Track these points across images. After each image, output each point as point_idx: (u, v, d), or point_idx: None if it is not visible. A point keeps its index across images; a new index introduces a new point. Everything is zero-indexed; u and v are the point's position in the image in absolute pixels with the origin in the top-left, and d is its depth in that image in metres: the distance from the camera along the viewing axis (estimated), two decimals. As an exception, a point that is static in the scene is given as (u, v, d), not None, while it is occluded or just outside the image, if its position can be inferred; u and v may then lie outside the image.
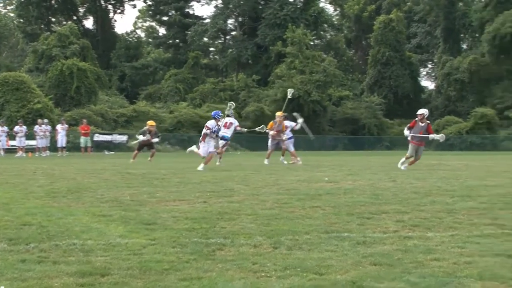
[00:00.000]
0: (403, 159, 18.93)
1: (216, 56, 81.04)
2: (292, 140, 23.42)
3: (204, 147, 18.24)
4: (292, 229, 6.75)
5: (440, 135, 19.63)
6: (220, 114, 18.70)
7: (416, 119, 18.66)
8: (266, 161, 22.38)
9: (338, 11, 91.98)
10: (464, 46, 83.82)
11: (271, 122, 23.42)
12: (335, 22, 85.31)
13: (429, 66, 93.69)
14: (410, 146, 18.88)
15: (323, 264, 4.95)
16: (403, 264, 4.99)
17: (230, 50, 74.27)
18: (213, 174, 15.97)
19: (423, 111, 18.96)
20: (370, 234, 6.47)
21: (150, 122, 25.22)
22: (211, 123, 18.26)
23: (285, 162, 22.80)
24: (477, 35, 77.43)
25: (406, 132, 18.81)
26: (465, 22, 77.16)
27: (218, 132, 18.68)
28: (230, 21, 77.48)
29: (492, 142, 57.11)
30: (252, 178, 14.70)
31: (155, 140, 24.59)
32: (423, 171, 17.96)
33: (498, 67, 68.15)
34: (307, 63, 62.46)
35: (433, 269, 4.83)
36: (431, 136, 18.92)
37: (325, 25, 78.04)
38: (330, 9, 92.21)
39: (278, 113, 23.23)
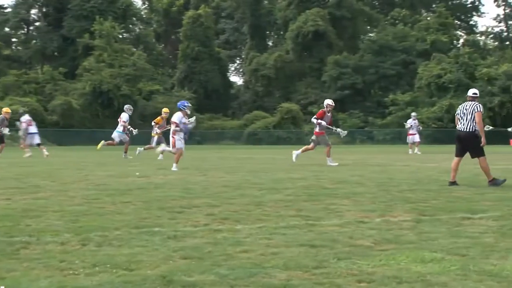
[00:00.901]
0: (299, 151, 19.28)
1: (19, 47, 77.02)
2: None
3: (177, 142, 16.40)
4: (102, 225, 6.56)
5: (344, 131, 20.28)
6: (186, 104, 16.57)
7: (325, 109, 18.69)
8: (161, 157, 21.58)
9: (147, 5, 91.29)
10: (270, 43, 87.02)
11: (159, 118, 23.23)
12: (144, 16, 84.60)
13: (238, 61, 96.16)
14: (321, 137, 18.79)
15: (133, 260, 4.85)
16: (213, 257, 5.02)
17: (34, 41, 71.01)
18: (17, 170, 15.15)
19: (331, 101, 19.11)
20: (181, 228, 6.46)
21: (6, 109, 24.43)
22: (177, 117, 16.24)
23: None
24: (281, 32, 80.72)
25: (316, 121, 18.64)
26: (271, 19, 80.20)
27: (187, 124, 16.77)
28: (33, 11, 74.17)
29: (297, 136, 59.83)
30: (60, 173, 14.15)
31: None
32: (232, 165, 18.38)
33: (302, 64, 71.61)
34: (116, 56, 61.48)
35: (241, 261, 4.90)
36: (335, 128, 19.61)
37: (134, 19, 77.08)
38: (138, 2, 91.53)
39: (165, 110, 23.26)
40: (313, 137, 19.15)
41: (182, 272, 4.47)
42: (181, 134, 16.47)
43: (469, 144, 11.52)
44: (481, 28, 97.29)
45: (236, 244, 5.59)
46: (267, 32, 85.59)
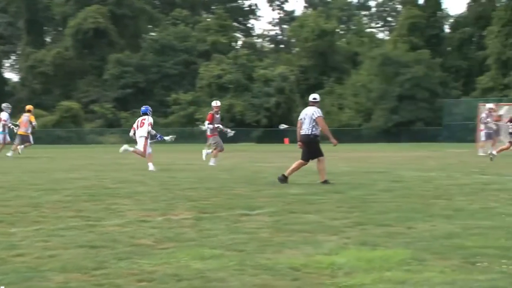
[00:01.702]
0: (208, 151, 18.72)
1: None
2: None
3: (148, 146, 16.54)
4: None
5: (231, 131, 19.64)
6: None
7: (212, 111, 18.47)
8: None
9: None
10: (49, 39, 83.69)
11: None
12: None
13: (13, 57, 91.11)
14: (213, 139, 18.37)
15: None
16: (-16, 264, 4.72)
17: None
18: None
19: (215, 102, 18.90)
20: None
21: None
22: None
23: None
24: (60, 29, 78.00)
25: (210, 126, 18.24)
26: (49, 15, 77.06)
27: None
28: None
29: (78, 135, 58.24)
30: None
31: None
32: (6, 165, 17.41)
33: (82, 62, 69.77)
34: None
35: (16, 265, 4.68)
36: (223, 128, 18.94)
37: None
38: None
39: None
40: (210, 141, 18.70)
41: None
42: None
43: (309, 147, 11.91)
44: (258, 31, 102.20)
45: (10, 247, 5.32)
46: (45, 28, 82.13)
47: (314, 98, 12.23)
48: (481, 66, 62.43)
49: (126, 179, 12.63)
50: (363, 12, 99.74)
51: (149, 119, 16.49)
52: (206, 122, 18.62)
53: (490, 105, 24.94)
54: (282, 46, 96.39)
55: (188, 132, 59.08)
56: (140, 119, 16.80)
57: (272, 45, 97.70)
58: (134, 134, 16.80)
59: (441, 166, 16.91)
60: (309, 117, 11.77)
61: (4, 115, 23.33)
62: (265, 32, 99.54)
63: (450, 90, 62.09)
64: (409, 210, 7.60)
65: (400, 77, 57.83)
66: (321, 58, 70.09)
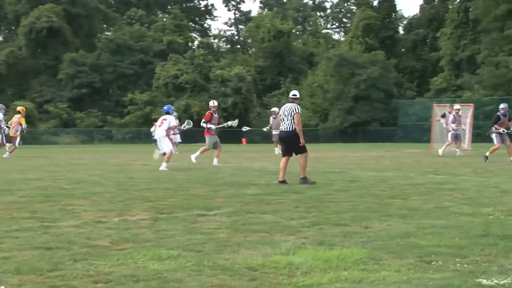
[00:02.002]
0: (199, 152, 18.89)
1: None
2: None
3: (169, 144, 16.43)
4: None
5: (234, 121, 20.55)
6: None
7: (211, 111, 18.78)
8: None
9: None
10: (1, 38, 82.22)
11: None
12: None
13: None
14: (209, 138, 18.55)
15: None
16: None
17: None
18: None
19: (213, 102, 19.25)
20: None
21: None
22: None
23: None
24: (13, 27, 76.64)
25: (207, 125, 18.37)
26: (0, 13, 75.60)
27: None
28: None
29: (33, 136, 57.33)
30: None
31: None
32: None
33: (36, 61, 68.66)
34: None
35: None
36: (225, 124, 20.19)
37: None
38: None
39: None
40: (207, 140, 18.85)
41: None
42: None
43: (291, 143, 11.91)
44: (214, 31, 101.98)
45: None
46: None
47: (294, 95, 12.33)
48: (435, 67, 63.50)
49: (82, 179, 12.49)
50: (319, 13, 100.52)
51: (170, 123, 16.35)
52: (203, 122, 18.74)
53: (457, 106, 25.30)
54: (238, 46, 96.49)
55: (144, 132, 58.59)
56: (161, 118, 16.81)
57: (229, 46, 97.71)
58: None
59: (397, 166, 17.15)
60: (289, 113, 11.82)
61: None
62: (222, 33, 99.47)
63: (405, 91, 62.96)
64: (365, 210, 7.69)
65: (356, 78, 58.36)
66: (277, 58, 70.38)
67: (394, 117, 58.12)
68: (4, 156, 22.45)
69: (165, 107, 17.19)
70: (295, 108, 11.87)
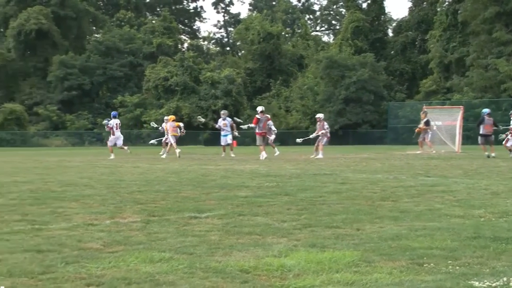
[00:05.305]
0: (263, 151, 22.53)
1: None
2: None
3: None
4: None
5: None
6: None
7: (257, 115, 22.96)
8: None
9: None
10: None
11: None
12: None
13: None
14: (258, 137, 23.22)
15: None
16: None
17: None
18: None
19: (261, 108, 23.89)
20: None
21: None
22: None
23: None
24: (1, 30, 76.37)
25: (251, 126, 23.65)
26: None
27: None
28: None
29: (22, 138, 57.18)
30: None
31: None
32: None
33: (25, 63, 68.45)
34: None
35: (-40, 271, 4.56)
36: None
37: None
38: None
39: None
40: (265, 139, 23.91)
41: None
42: None
43: None
44: (203, 33, 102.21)
45: (-47, 254, 5.17)
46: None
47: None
48: (424, 70, 63.81)
49: (73, 182, 12.44)
50: (308, 16, 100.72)
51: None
52: (250, 124, 23.82)
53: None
54: (228, 48, 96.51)
55: (135, 134, 58.55)
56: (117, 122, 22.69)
57: (218, 48, 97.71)
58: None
59: (387, 168, 17.19)
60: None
61: None
62: (211, 35, 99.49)
63: (395, 93, 63.23)
64: (357, 212, 7.69)
65: (346, 80, 58.55)
66: (267, 60, 70.45)
67: (384, 119, 58.31)
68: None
69: (113, 112, 22.39)
70: None
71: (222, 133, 27.03)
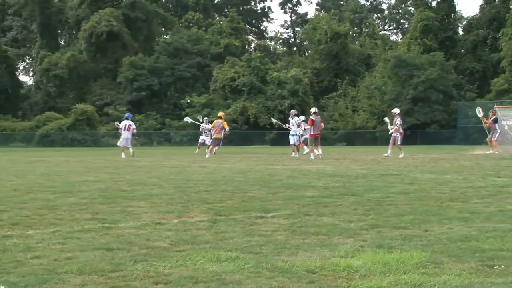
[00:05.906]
0: (307, 150, 24.10)
1: None
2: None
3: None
4: None
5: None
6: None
7: (311, 117, 23.40)
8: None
9: None
10: (62, 42, 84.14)
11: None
12: None
13: (27, 60, 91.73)
14: (310, 139, 23.71)
15: None
16: (2, 264, 4.76)
17: None
18: None
19: (314, 109, 24.48)
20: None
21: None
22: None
23: None
24: (74, 32, 78.37)
25: (307, 126, 24.27)
26: (62, 18, 77.42)
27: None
28: None
29: (93, 138, 58.53)
30: None
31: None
32: (22, 168, 17.52)
33: (96, 65, 70.06)
34: None
35: (33, 267, 4.71)
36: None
37: None
38: None
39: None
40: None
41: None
42: None
43: None
44: (270, 33, 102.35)
45: (27, 250, 5.35)
46: (59, 31, 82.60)
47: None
48: (496, 68, 62.07)
49: (141, 181, 12.66)
50: (376, 15, 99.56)
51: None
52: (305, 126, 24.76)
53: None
54: (294, 48, 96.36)
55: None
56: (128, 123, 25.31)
57: (285, 48, 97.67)
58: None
59: (456, 169, 16.82)
60: None
61: None
62: (278, 35, 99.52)
63: (465, 92, 61.78)
64: (425, 213, 7.57)
65: (414, 80, 57.57)
66: (334, 60, 69.93)
67: (453, 119, 57.07)
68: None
69: (126, 114, 24.69)
70: None
71: (291, 132, 27.11)
